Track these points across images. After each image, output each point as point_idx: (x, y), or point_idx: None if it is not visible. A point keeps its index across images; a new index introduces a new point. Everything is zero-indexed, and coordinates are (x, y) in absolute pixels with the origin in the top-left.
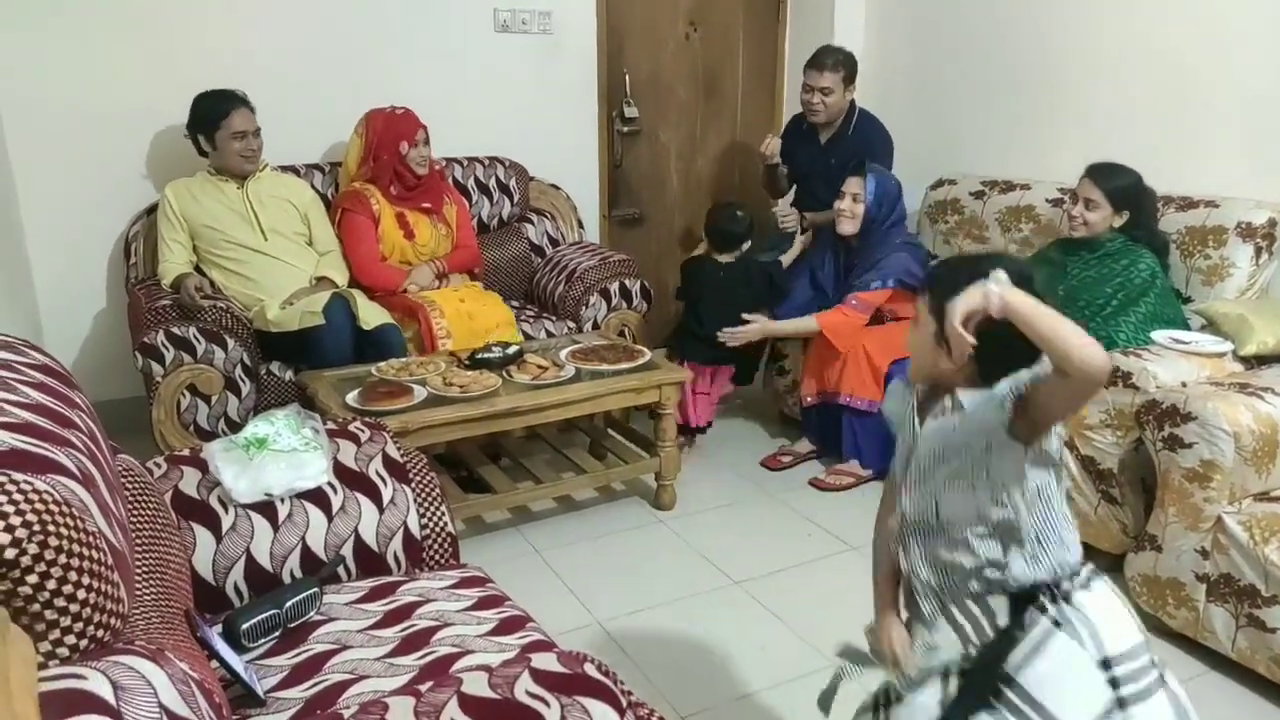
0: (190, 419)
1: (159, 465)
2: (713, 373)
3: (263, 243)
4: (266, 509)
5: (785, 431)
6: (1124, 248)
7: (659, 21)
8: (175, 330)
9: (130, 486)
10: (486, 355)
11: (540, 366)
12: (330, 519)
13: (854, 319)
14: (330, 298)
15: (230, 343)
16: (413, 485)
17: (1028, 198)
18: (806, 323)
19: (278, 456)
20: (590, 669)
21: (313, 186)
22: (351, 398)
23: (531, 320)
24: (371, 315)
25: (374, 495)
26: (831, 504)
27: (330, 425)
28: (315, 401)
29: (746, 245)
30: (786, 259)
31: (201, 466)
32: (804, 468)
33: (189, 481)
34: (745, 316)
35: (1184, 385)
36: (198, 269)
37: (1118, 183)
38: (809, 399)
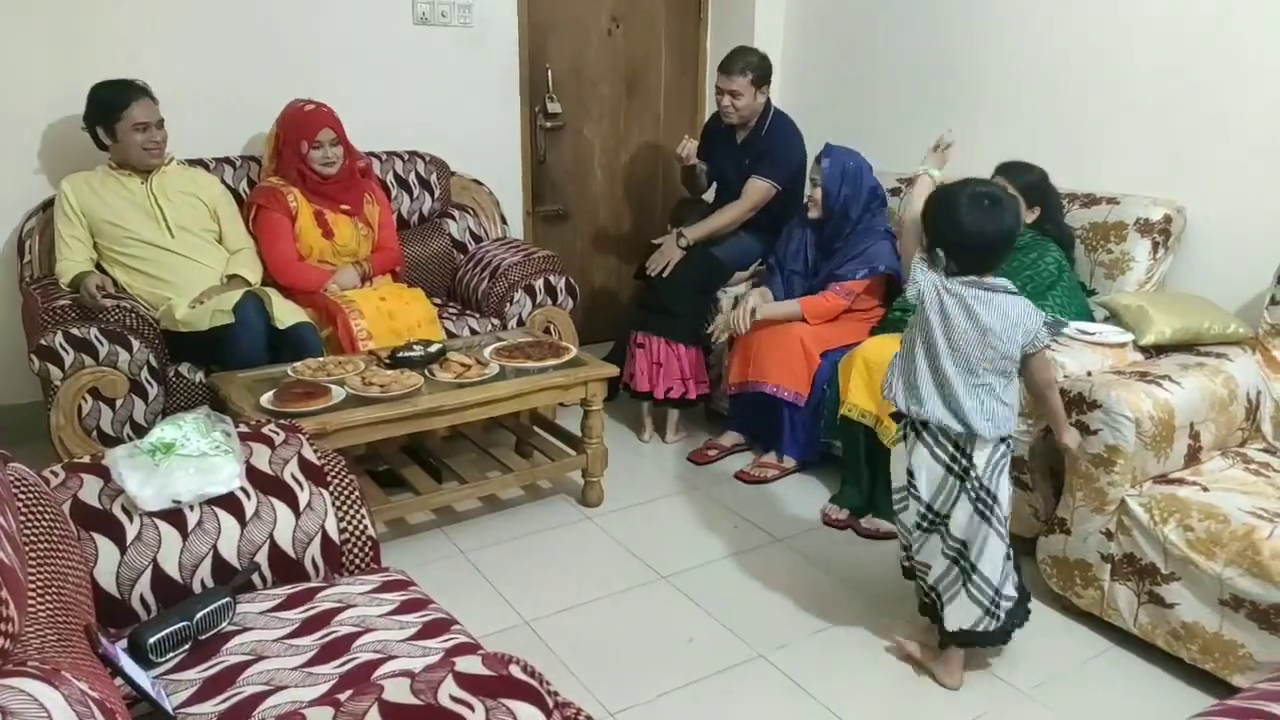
0: (93, 424)
1: (56, 474)
2: (667, 344)
3: (169, 240)
4: (175, 517)
5: (711, 426)
6: (1032, 241)
7: (582, 16)
8: (75, 331)
9: (23, 497)
10: (408, 354)
11: (464, 365)
12: (244, 525)
13: (835, 305)
14: (243, 295)
15: (135, 344)
16: (330, 488)
17: None
18: (790, 306)
19: (186, 461)
20: (516, 670)
21: (223, 181)
22: (266, 399)
23: (454, 318)
24: (286, 314)
25: (290, 499)
26: (756, 496)
27: (243, 428)
28: (228, 404)
29: None
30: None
31: (103, 474)
32: (730, 460)
33: (89, 490)
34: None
35: (1089, 374)
36: (99, 267)
37: (1027, 179)
38: (733, 389)
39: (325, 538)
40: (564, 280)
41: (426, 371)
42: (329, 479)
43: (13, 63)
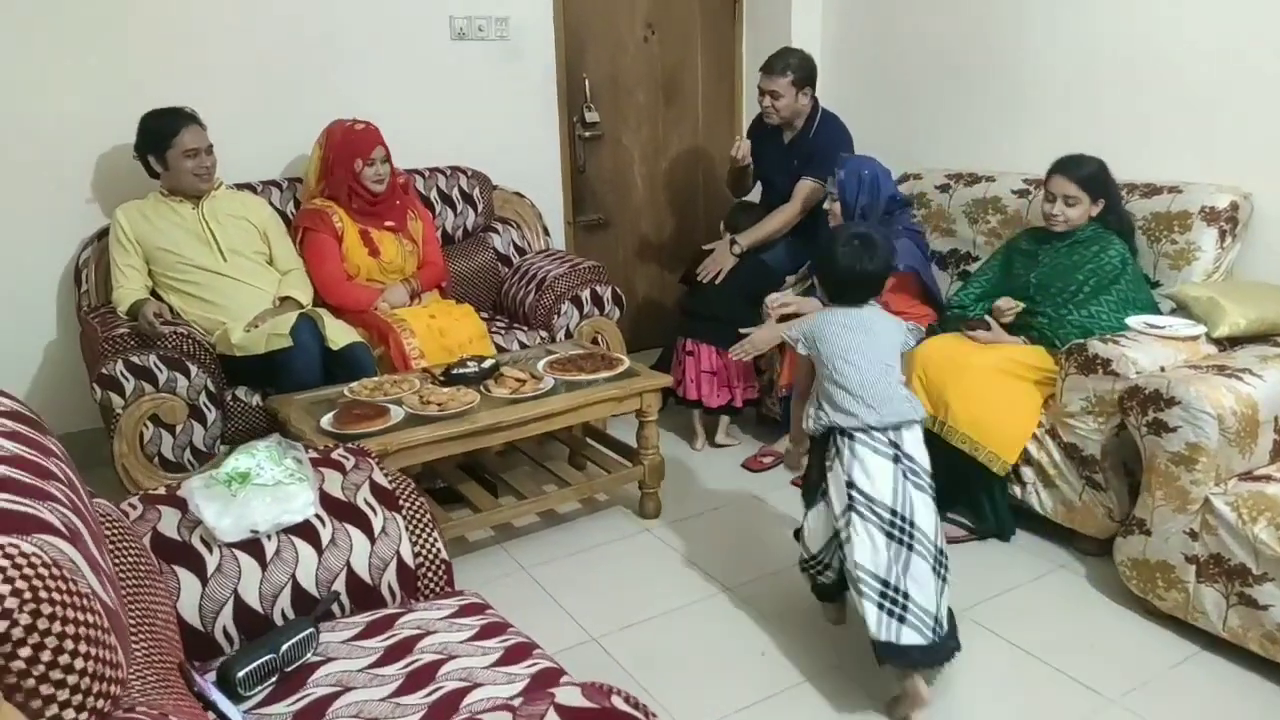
0: (154, 450)
1: (134, 506)
2: (717, 352)
3: (222, 264)
4: (253, 547)
5: (764, 433)
6: (1094, 234)
7: (617, 24)
8: (134, 359)
9: (110, 533)
10: (462, 370)
11: (518, 380)
12: (320, 553)
13: None
14: (297, 318)
15: (193, 369)
16: (403, 512)
17: (993, 189)
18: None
19: (261, 491)
20: (619, 702)
21: (270, 204)
22: (326, 421)
23: (503, 332)
24: (339, 334)
25: (364, 525)
26: None
27: (313, 454)
28: (288, 427)
29: None
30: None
31: (180, 505)
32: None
33: (168, 522)
34: (743, 331)
35: (1163, 370)
36: (154, 294)
37: (1087, 171)
38: (785, 390)
39: (400, 563)
40: (610, 290)
41: (481, 388)
42: (401, 503)
43: (65, 94)
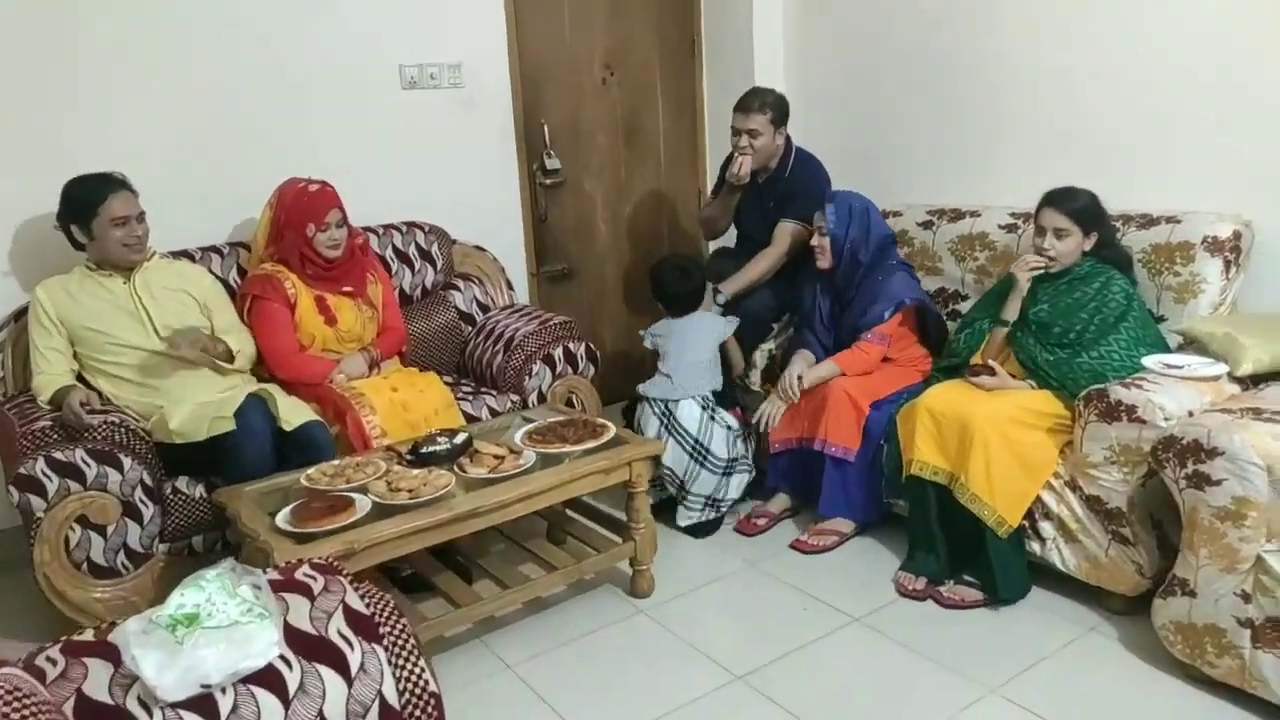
0: (82, 556)
1: (53, 662)
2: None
3: (157, 342)
4: (203, 704)
5: (754, 493)
6: (1093, 270)
7: (575, 67)
8: (58, 455)
9: (12, 712)
10: (432, 448)
11: (496, 457)
12: (288, 705)
13: (873, 354)
14: (245, 399)
15: (127, 462)
16: (384, 642)
17: (979, 225)
18: (828, 367)
19: (213, 635)
20: None
21: (211, 271)
22: (283, 518)
23: (470, 398)
24: (293, 413)
25: (339, 664)
26: (819, 569)
27: (273, 574)
28: (237, 525)
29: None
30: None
31: (112, 657)
32: (781, 529)
33: (96, 681)
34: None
35: (1191, 414)
36: (80, 379)
37: (1080, 204)
38: (777, 446)
39: (384, 705)
40: (583, 346)
41: (455, 467)
42: (381, 630)
43: None
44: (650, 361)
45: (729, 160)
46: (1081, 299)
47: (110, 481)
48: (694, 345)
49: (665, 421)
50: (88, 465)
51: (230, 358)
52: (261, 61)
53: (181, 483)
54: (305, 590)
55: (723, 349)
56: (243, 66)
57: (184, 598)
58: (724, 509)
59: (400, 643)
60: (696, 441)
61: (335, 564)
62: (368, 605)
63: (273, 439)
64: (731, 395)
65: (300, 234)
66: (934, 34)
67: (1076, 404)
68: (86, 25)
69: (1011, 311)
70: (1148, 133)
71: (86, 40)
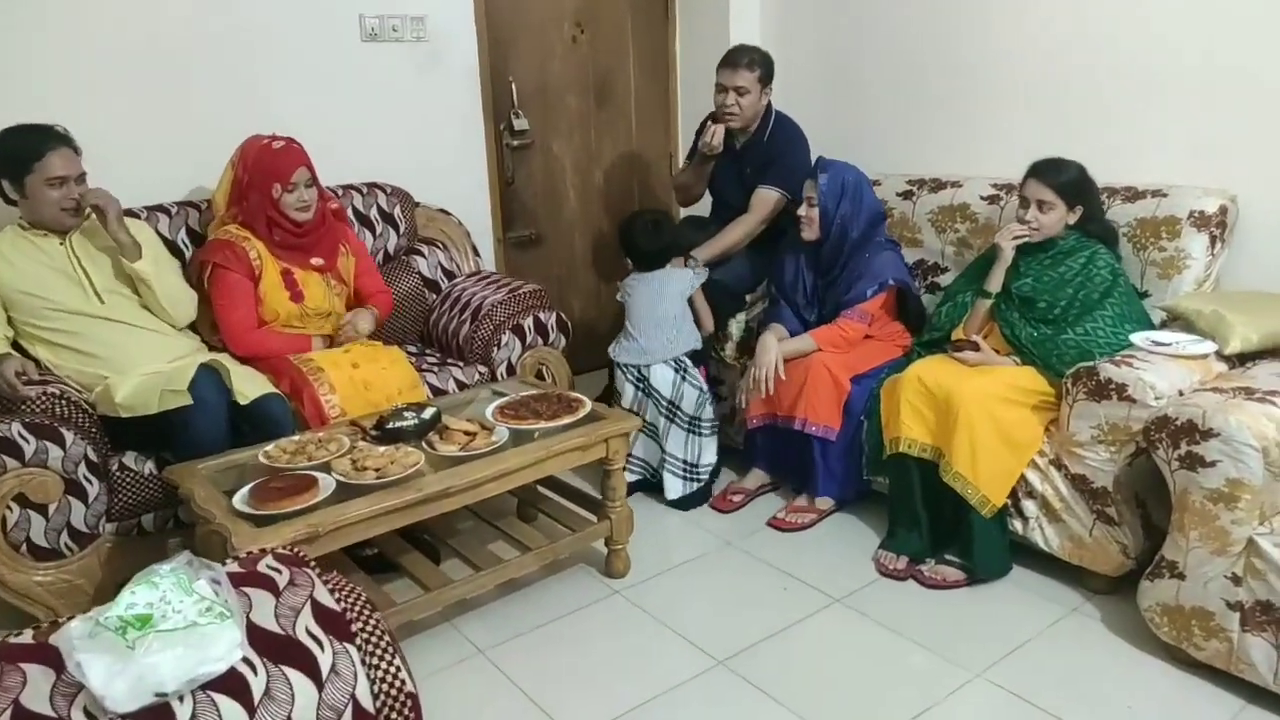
0: (21, 536)
1: None
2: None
3: (98, 306)
4: (158, 715)
5: (727, 463)
6: (1077, 244)
7: (544, 24)
8: None
9: None
10: (399, 424)
11: (467, 433)
12: (252, 712)
13: (853, 333)
14: (198, 370)
15: (69, 436)
16: (357, 640)
17: (960, 195)
18: (804, 342)
19: (169, 638)
20: None
21: (158, 233)
22: (241, 499)
23: (435, 370)
24: (249, 385)
25: (308, 666)
26: (798, 547)
27: (232, 565)
28: (191, 505)
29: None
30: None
31: (54, 662)
32: (758, 504)
33: (35, 690)
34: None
35: (1181, 394)
36: (16, 347)
37: (1066, 177)
38: (755, 421)
39: (358, 708)
40: (554, 317)
41: (424, 444)
42: (353, 627)
43: None
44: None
45: (702, 127)
46: (1066, 274)
47: (51, 457)
48: (660, 301)
49: (640, 387)
50: (25, 440)
51: (137, 254)
52: (211, 4)
53: (129, 458)
54: (269, 584)
55: (692, 305)
56: (191, 9)
57: (135, 596)
58: (704, 476)
59: (374, 640)
60: (670, 403)
61: (301, 554)
62: (338, 600)
63: (227, 412)
64: (700, 355)
65: (266, 195)
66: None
67: (1064, 381)
68: None
69: (995, 283)
70: (1132, 104)
71: None
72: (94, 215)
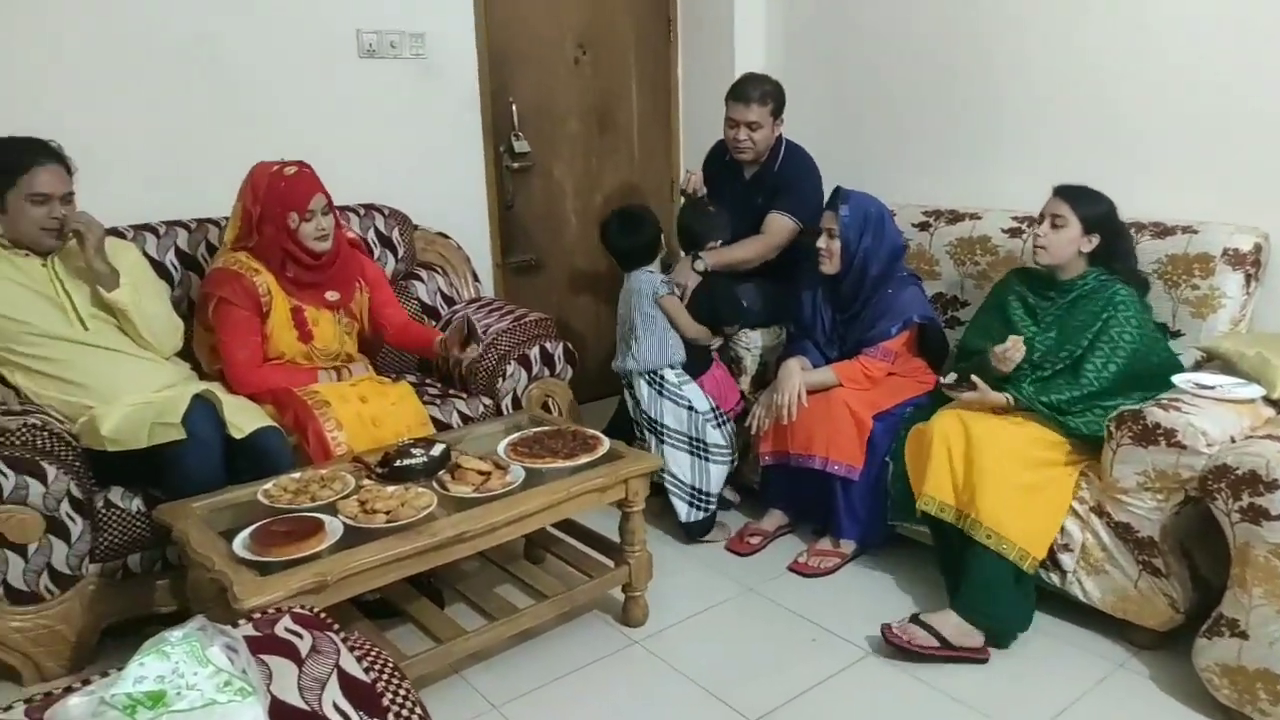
0: None
1: None
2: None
3: (82, 332)
4: None
5: (745, 507)
6: (1099, 284)
7: (546, 44)
8: None
9: None
10: (407, 461)
11: (481, 473)
12: None
13: (876, 371)
14: (191, 401)
15: (51, 471)
16: (389, 715)
17: (980, 228)
18: (826, 374)
19: (184, 719)
20: None
21: (145, 253)
22: (241, 544)
23: (438, 401)
24: (243, 418)
25: None
26: (822, 593)
27: (246, 628)
28: (185, 549)
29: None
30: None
31: None
32: (776, 546)
33: None
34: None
35: (1233, 441)
36: None
37: (1089, 202)
38: (766, 458)
39: None
40: (561, 347)
41: (435, 483)
42: (384, 700)
43: None
44: None
45: (714, 154)
46: (1089, 320)
47: (31, 494)
48: (627, 305)
49: (629, 394)
50: (4, 475)
51: (114, 282)
52: (202, 13)
53: (115, 495)
54: (291, 651)
55: (664, 311)
56: (184, 21)
57: (145, 668)
58: (710, 504)
59: (406, 714)
60: (648, 418)
61: (325, 617)
62: (366, 669)
63: (222, 443)
64: (694, 368)
65: (282, 227)
66: (933, 22)
67: (1107, 425)
68: None
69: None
70: (1158, 139)
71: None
72: (74, 239)
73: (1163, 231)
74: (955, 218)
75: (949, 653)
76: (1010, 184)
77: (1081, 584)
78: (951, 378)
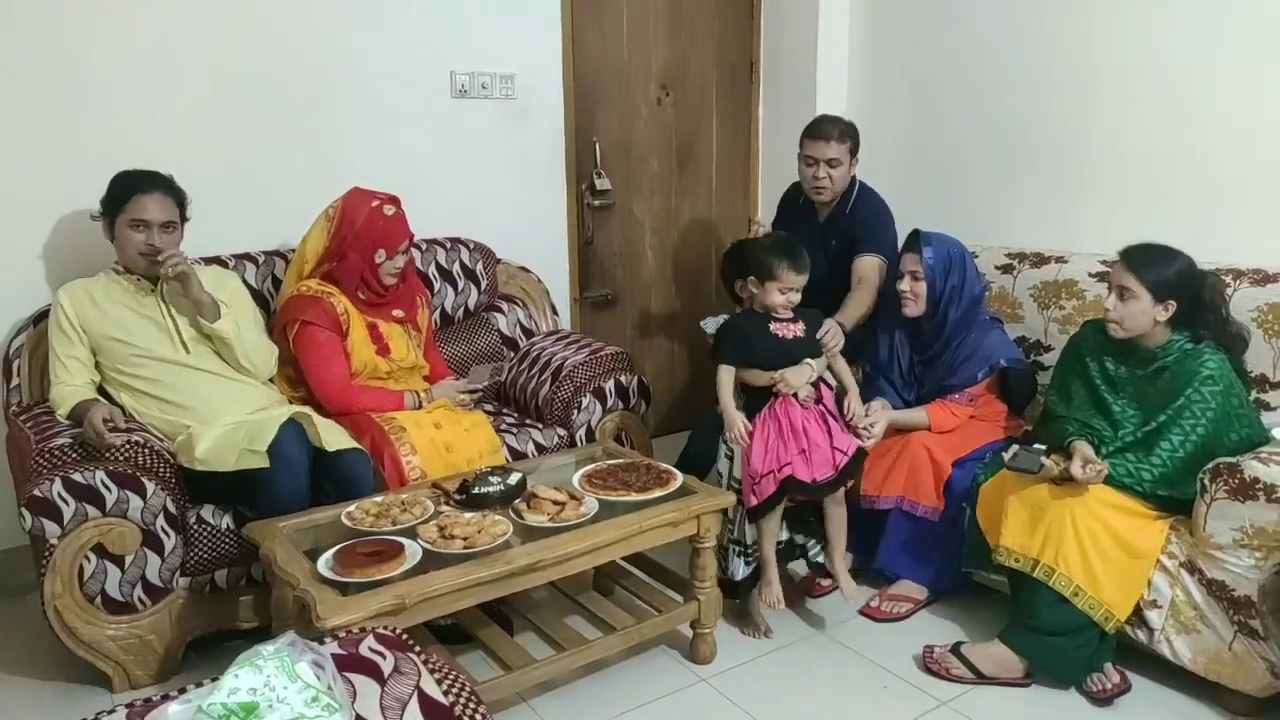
0: (97, 588)
1: None
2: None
3: (184, 355)
4: None
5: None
6: (1183, 355)
7: (630, 85)
8: (76, 477)
9: None
10: (485, 489)
11: (556, 502)
12: None
13: (962, 415)
14: (280, 428)
15: (150, 487)
16: None
17: (1066, 272)
18: (918, 415)
19: None
20: None
21: (244, 281)
22: (325, 564)
23: (514, 431)
24: (334, 436)
25: None
26: (895, 639)
27: (332, 646)
28: (272, 567)
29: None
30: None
31: None
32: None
33: None
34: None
35: None
36: (101, 392)
37: (1154, 269)
38: (873, 498)
39: None
40: (636, 380)
41: (511, 512)
42: None
43: (13, 154)
44: None
45: (789, 196)
46: (1171, 396)
47: (131, 508)
48: None
49: None
50: (108, 489)
51: (216, 314)
52: (305, 51)
53: (207, 511)
54: (374, 671)
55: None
56: (284, 57)
57: (239, 680)
58: (750, 554)
59: None
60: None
61: (407, 638)
62: (445, 691)
63: (309, 465)
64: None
65: (367, 259)
66: (1016, 61)
67: (1201, 478)
68: (133, 19)
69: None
70: (1255, 180)
71: (127, 37)
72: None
73: (1263, 279)
74: (1040, 260)
75: (984, 683)
76: (1098, 226)
77: (1170, 643)
78: (1013, 450)
